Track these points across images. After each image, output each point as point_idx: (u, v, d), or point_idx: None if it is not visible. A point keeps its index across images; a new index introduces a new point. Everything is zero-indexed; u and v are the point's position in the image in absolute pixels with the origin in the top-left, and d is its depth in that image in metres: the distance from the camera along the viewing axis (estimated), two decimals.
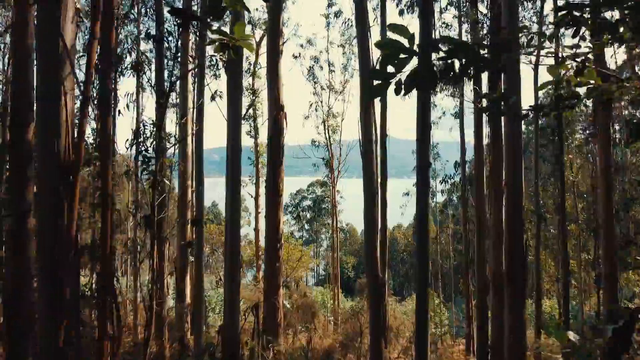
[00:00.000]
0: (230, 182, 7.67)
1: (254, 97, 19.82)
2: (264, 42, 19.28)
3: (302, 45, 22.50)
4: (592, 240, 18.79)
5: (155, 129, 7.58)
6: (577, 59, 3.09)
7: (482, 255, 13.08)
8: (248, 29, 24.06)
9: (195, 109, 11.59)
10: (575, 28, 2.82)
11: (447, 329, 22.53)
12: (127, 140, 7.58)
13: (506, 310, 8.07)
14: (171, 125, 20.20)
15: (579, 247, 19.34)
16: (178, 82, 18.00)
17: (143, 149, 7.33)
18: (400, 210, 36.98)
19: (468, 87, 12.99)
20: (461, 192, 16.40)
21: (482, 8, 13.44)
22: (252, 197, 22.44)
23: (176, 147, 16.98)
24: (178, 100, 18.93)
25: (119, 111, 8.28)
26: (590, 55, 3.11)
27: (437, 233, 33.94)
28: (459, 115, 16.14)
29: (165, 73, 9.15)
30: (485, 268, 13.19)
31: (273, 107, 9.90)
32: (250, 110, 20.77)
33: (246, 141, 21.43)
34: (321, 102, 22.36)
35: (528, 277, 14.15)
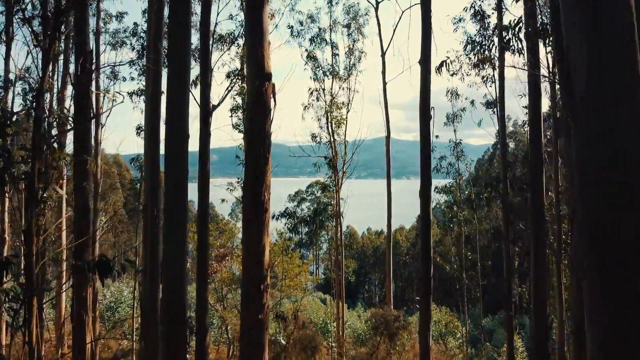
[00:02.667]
0: (169, 198, 4.29)
1: (242, 83, 16.42)
2: None
3: (301, 23, 19.17)
4: None
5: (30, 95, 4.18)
6: None
7: (542, 288, 9.65)
8: (238, 4, 20.71)
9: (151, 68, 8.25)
10: None
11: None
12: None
13: None
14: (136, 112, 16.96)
15: None
16: None
17: None
18: (403, 211, 34.28)
19: (517, 57, 9.72)
20: (502, 197, 12.98)
21: None
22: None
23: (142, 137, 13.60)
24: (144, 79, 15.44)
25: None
26: None
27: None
28: (499, 95, 12.69)
29: None
30: (546, 306, 9.84)
31: (255, 76, 6.44)
32: (239, 100, 17.40)
33: (232, 137, 18.07)
34: (323, 90, 19.00)
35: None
